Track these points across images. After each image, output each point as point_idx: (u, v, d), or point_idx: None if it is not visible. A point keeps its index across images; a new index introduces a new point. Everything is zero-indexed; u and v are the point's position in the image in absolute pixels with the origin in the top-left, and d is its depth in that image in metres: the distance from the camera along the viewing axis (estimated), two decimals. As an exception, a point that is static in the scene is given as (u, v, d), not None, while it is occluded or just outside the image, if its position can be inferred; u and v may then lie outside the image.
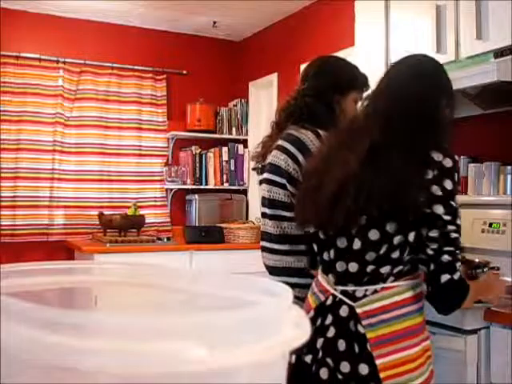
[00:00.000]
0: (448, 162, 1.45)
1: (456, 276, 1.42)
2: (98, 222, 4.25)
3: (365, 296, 1.46)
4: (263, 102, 4.86)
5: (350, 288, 1.49)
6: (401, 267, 1.47)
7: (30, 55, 4.33)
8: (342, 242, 1.51)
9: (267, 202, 1.90)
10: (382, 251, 1.45)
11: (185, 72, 4.88)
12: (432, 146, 1.46)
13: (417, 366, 1.44)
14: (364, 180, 1.44)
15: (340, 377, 1.44)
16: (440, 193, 1.42)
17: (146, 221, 4.37)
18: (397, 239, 1.44)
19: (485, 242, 2.38)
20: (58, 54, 4.42)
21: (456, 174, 1.46)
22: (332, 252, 1.54)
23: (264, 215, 1.93)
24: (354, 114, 1.92)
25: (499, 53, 2.14)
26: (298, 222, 1.68)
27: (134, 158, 4.65)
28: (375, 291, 1.46)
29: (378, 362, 1.41)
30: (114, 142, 4.59)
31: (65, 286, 0.64)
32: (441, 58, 2.38)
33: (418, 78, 1.57)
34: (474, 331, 1.78)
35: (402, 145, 1.46)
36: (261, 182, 1.95)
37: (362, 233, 1.46)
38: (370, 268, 1.47)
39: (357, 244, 1.48)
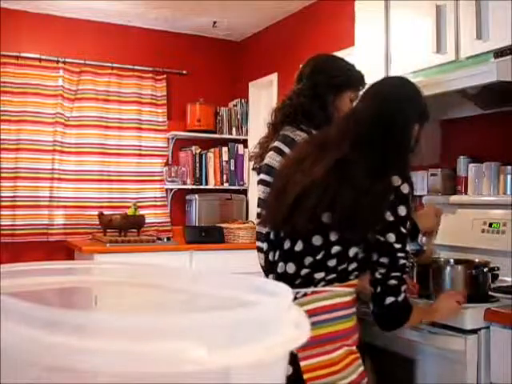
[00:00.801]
0: (405, 188, 1.52)
1: (400, 298, 1.53)
2: (97, 222, 4.25)
3: (295, 298, 1.49)
4: (263, 102, 4.86)
5: None
6: (334, 275, 1.54)
7: (29, 55, 4.33)
8: (287, 244, 1.58)
9: (262, 202, 1.91)
10: (318, 257, 1.52)
11: (185, 72, 4.88)
12: (394, 169, 1.53)
13: (339, 368, 1.50)
14: (328, 187, 1.50)
15: None
16: (392, 218, 1.50)
17: (146, 221, 4.37)
18: (335, 249, 1.52)
19: (485, 242, 2.37)
20: (57, 54, 4.42)
21: (410, 199, 1.54)
22: (277, 253, 1.61)
23: (259, 216, 1.93)
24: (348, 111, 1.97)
25: (499, 53, 2.14)
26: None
27: (133, 158, 4.65)
28: (305, 294, 1.52)
29: (302, 363, 1.47)
30: (114, 142, 4.59)
31: (65, 286, 0.64)
32: (441, 58, 2.40)
33: (396, 102, 1.63)
34: (474, 331, 1.77)
35: (367, 163, 1.52)
36: (258, 183, 1.96)
37: (307, 236, 1.53)
38: (304, 271, 1.54)
39: (299, 246, 1.55)
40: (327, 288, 1.53)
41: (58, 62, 4.41)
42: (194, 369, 0.41)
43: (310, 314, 1.46)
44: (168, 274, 0.68)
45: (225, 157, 4.81)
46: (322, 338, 1.49)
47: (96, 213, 4.31)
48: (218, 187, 4.79)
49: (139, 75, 4.69)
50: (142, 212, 4.39)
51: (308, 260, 1.53)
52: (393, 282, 1.51)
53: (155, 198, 4.71)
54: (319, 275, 1.53)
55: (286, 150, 1.83)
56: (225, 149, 4.81)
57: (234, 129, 4.93)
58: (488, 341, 1.77)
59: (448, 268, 1.94)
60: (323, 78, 1.93)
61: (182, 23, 4.67)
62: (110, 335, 0.40)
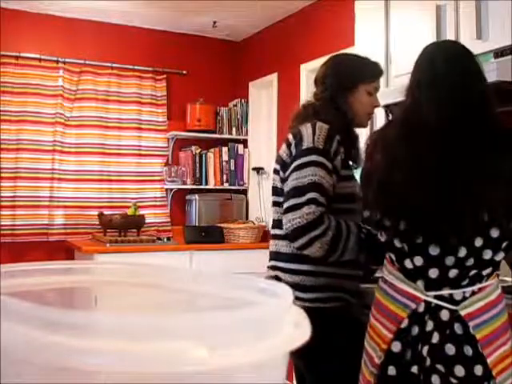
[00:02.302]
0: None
1: None
2: (97, 222, 4.25)
3: (464, 298, 1.46)
4: (263, 102, 4.86)
5: (445, 292, 1.48)
6: (492, 268, 1.50)
7: (30, 55, 4.33)
8: (433, 250, 1.49)
9: (272, 190, 1.97)
10: (486, 256, 1.47)
11: (185, 72, 4.88)
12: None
13: (511, 361, 1.49)
14: (473, 187, 1.44)
15: (454, 381, 1.44)
16: None
17: (146, 221, 4.37)
18: (503, 244, 1.48)
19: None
20: (57, 54, 4.42)
21: None
22: (419, 259, 1.51)
23: (272, 204, 2.00)
24: (372, 103, 1.98)
25: (499, 53, 2.14)
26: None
27: (134, 158, 4.65)
28: (473, 292, 1.47)
29: (489, 360, 1.44)
30: (114, 142, 4.60)
31: (65, 285, 0.64)
32: (441, 58, 2.40)
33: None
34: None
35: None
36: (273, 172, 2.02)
37: (468, 240, 1.46)
38: (472, 272, 1.48)
39: (462, 252, 1.46)
40: (488, 282, 1.49)
41: (57, 62, 4.42)
42: (194, 369, 0.41)
43: (484, 310, 1.46)
44: (168, 274, 0.68)
45: (225, 157, 4.81)
46: (498, 331, 1.47)
47: (96, 213, 4.31)
48: (218, 187, 4.80)
49: (139, 75, 4.69)
50: (142, 212, 4.39)
51: (471, 261, 1.47)
52: None
53: (155, 198, 4.71)
54: (486, 272, 1.48)
55: (290, 137, 1.88)
56: (225, 149, 4.81)
57: (234, 129, 4.93)
58: (489, 341, 1.77)
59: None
60: (334, 81, 1.96)
61: (182, 23, 4.67)
62: (110, 335, 0.40)
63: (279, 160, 1.92)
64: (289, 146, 1.87)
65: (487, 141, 1.48)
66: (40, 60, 4.37)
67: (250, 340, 0.43)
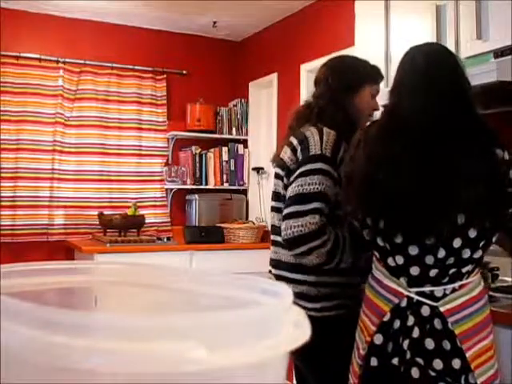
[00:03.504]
0: (506, 154, 1.54)
1: None
2: (97, 222, 4.25)
3: (445, 295, 1.50)
4: (263, 102, 4.86)
5: (427, 289, 1.51)
6: (474, 265, 1.53)
7: (30, 55, 4.33)
8: (413, 250, 1.51)
9: (273, 195, 1.95)
10: (465, 255, 1.50)
11: (185, 72, 4.88)
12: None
13: (492, 354, 1.53)
14: (449, 188, 1.46)
15: (433, 374, 1.48)
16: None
17: (146, 221, 4.37)
18: (481, 243, 1.50)
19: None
20: (57, 54, 4.42)
21: None
22: (400, 258, 1.54)
23: (271, 209, 1.97)
24: (373, 106, 1.98)
25: (499, 53, 2.14)
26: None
27: (133, 158, 4.65)
28: (454, 289, 1.50)
29: (467, 354, 1.47)
30: (114, 142, 4.59)
31: (65, 286, 0.64)
32: (441, 58, 2.40)
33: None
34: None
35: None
36: (274, 177, 1.99)
37: (446, 241, 1.48)
38: (451, 271, 1.51)
39: (441, 253, 1.49)
40: (470, 279, 1.53)
41: (57, 62, 4.42)
42: (194, 369, 0.41)
43: (464, 306, 1.50)
44: (168, 274, 0.68)
45: (225, 157, 4.81)
46: (479, 326, 1.51)
47: (96, 213, 4.31)
48: (218, 187, 4.79)
49: (139, 75, 4.69)
50: (142, 212, 4.39)
51: (450, 260, 1.50)
52: None
53: (155, 197, 4.71)
54: (466, 269, 1.51)
55: (295, 142, 1.85)
56: (225, 149, 4.81)
57: (234, 129, 4.93)
58: (488, 341, 1.77)
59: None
60: (336, 81, 1.95)
61: (182, 23, 4.67)
62: (109, 335, 0.40)
63: (282, 165, 1.88)
64: (294, 151, 1.83)
65: (467, 140, 1.50)
66: (40, 60, 4.37)
67: (250, 340, 0.43)
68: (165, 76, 4.79)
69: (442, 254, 1.49)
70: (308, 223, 1.68)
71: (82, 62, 4.50)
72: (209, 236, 4.24)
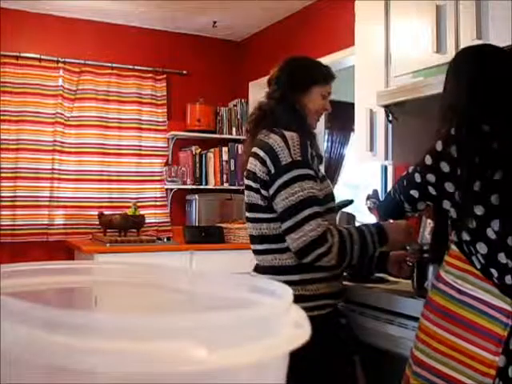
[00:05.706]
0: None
1: None
2: (97, 222, 4.25)
3: None
4: (263, 102, 4.86)
5: None
6: None
7: (30, 55, 4.33)
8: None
9: (247, 206, 1.94)
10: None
11: (185, 72, 4.88)
12: None
13: None
14: None
15: None
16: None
17: (146, 221, 4.37)
18: None
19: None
20: (57, 54, 4.42)
21: None
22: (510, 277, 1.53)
23: (247, 219, 1.98)
24: (323, 106, 1.98)
25: (499, 53, 2.14)
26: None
27: (133, 158, 4.65)
28: None
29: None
30: (114, 142, 4.60)
31: (65, 286, 0.64)
32: (441, 58, 2.40)
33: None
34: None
35: None
36: (244, 188, 1.98)
37: None
38: None
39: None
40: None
41: (57, 62, 4.42)
42: (193, 369, 0.41)
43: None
44: (168, 274, 0.68)
45: (225, 157, 4.81)
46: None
47: (96, 213, 4.31)
48: (218, 187, 4.79)
49: (139, 75, 4.69)
50: (142, 212, 4.39)
51: None
52: None
53: (155, 197, 4.71)
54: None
55: (262, 153, 1.83)
56: (225, 149, 4.81)
57: (234, 129, 4.93)
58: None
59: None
60: (286, 79, 1.96)
61: (182, 23, 4.67)
62: (110, 335, 0.40)
63: (253, 177, 1.86)
64: (263, 163, 1.82)
65: None
66: (40, 60, 4.37)
67: (249, 340, 0.43)
68: (165, 76, 4.79)
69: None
70: (308, 232, 1.70)
71: (82, 61, 4.50)
72: (209, 236, 4.24)
